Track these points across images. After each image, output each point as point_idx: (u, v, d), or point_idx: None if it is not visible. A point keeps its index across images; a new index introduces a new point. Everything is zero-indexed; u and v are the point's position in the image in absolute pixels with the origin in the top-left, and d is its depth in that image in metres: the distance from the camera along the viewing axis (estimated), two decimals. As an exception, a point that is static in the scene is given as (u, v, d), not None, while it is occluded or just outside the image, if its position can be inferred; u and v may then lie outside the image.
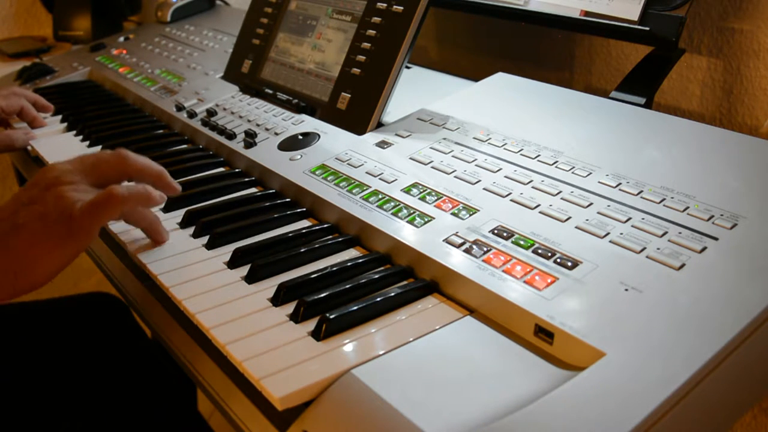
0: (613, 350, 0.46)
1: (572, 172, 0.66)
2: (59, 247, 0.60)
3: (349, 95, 0.86)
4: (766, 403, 0.91)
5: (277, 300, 0.58)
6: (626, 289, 0.51)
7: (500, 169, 0.69)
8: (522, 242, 0.58)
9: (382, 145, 0.78)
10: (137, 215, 0.68)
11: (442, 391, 0.47)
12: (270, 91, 0.97)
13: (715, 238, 0.54)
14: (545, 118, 0.77)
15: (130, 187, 0.63)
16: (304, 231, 0.69)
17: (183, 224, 0.73)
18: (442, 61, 1.31)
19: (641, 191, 0.61)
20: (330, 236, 0.69)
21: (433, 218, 0.64)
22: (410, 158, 0.74)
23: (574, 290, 0.52)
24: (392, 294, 0.57)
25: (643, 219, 0.58)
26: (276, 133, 0.87)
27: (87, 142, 1.00)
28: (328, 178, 0.74)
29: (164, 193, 0.68)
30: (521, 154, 0.71)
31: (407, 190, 0.69)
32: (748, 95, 0.89)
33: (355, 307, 0.55)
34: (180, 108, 1.02)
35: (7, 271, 0.59)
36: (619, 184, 0.63)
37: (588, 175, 0.65)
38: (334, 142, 0.81)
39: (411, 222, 0.64)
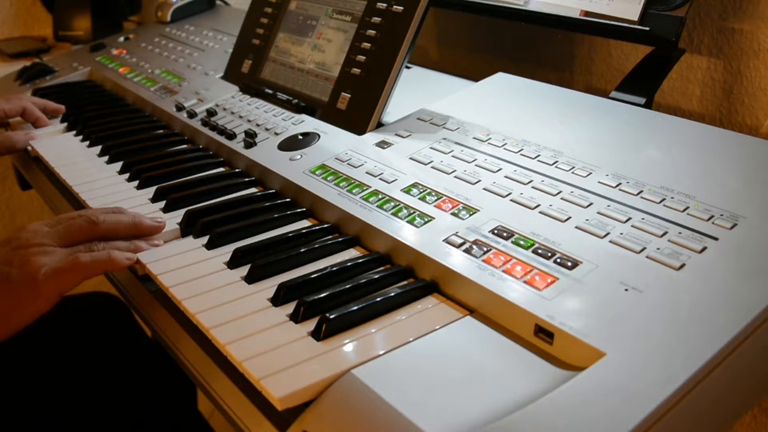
0: (613, 350, 0.46)
1: (572, 172, 0.66)
2: (18, 309, 0.63)
3: (349, 95, 0.86)
4: (766, 403, 0.91)
5: (277, 300, 0.58)
6: (626, 289, 0.51)
7: (500, 169, 0.69)
8: (522, 242, 0.58)
9: (382, 145, 0.78)
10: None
11: (442, 391, 0.47)
12: (270, 91, 0.97)
13: (715, 238, 0.54)
14: (545, 118, 0.77)
15: (93, 254, 0.65)
16: (304, 231, 0.69)
17: (183, 224, 0.73)
18: (442, 61, 1.31)
19: (641, 191, 0.61)
20: (330, 236, 0.69)
21: (433, 218, 0.64)
22: (410, 158, 0.74)
23: (574, 290, 0.52)
24: (392, 294, 0.57)
25: (643, 219, 0.58)
26: (276, 133, 0.87)
27: (87, 142, 1.00)
28: (328, 178, 0.74)
29: (146, 235, 0.70)
30: (521, 154, 0.71)
31: (407, 190, 0.69)
32: (748, 95, 0.89)
33: (355, 307, 0.55)
34: (180, 108, 1.02)
35: None
36: (619, 184, 0.63)
37: (588, 175, 0.65)
38: (334, 142, 0.81)
39: (411, 222, 0.64)
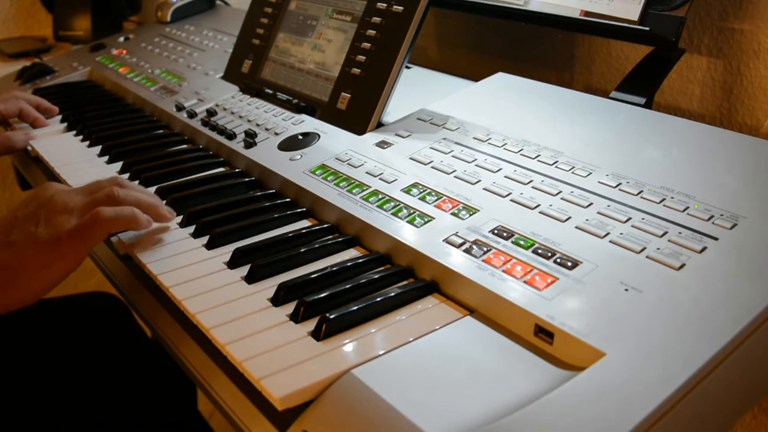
0: (613, 350, 0.46)
1: (572, 172, 0.66)
2: (47, 268, 0.62)
3: (349, 95, 0.86)
4: (766, 403, 0.91)
5: (277, 300, 0.58)
6: (626, 289, 0.51)
7: (500, 169, 0.69)
8: (522, 242, 0.58)
9: (382, 145, 0.78)
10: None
11: (442, 391, 0.47)
12: (270, 91, 0.97)
13: (715, 238, 0.54)
14: (545, 118, 0.77)
15: (116, 209, 0.65)
16: (304, 231, 0.69)
17: (183, 224, 0.73)
18: (442, 61, 1.31)
19: (641, 191, 0.61)
20: (330, 236, 0.69)
21: (433, 218, 0.64)
22: (410, 158, 0.74)
23: (574, 290, 0.52)
24: (392, 294, 0.57)
25: (643, 219, 0.58)
26: (276, 133, 0.87)
27: (87, 142, 1.00)
28: (328, 178, 0.74)
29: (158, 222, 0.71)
30: (521, 154, 0.71)
31: (407, 190, 0.69)
32: (748, 95, 0.89)
33: (355, 307, 0.55)
34: (180, 108, 1.02)
35: None
36: (619, 184, 0.63)
37: (588, 175, 0.65)
38: (334, 142, 0.81)
39: (411, 222, 0.64)
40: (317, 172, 0.76)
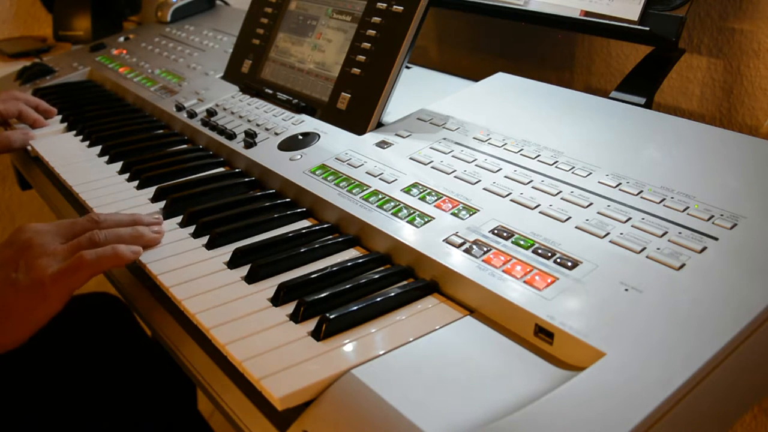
0: (613, 350, 0.46)
1: (572, 172, 0.66)
2: (31, 312, 0.62)
3: (349, 95, 0.86)
4: (766, 403, 0.91)
5: (277, 300, 0.58)
6: (626, 289, 0.51)
7: (500, 169, 0.69)
8: (522, 242, 0.58)
9: (382, 145, 0.78)
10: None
11: (442, 391, 0.47)
12: (270, 91, 0.97)
13: (715, 238, 0.54)
14: (545, 118, 0.77)
15: (98, 251, 0.64)
16: (304, 231, 0.69)
17: (183, 224, 0.73)
18: (442, 61, 1.31)
19: (641, 191, 0.61)
20: (330, 236, 0.69)
21: (433, 218, 0.64)
22: (410, 158, 0.74)
23: (574, 290, 0.52)
24: (392, 294, 0.57)
25: (643, 219, 0.58)
26: (276, 133, 0.87)
27: (87, 142, 1.00)
28: (328, 178, 0.74)
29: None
30: (521, 154, 0.71)
31: (407, 190, 0.69)
32: (748, 95, 0.89)
33: (355, 307, 0.55)
34: (180, 108, 1.02)
35: None
36: (619, 184, 0.63)
37: (588, 175, 0.65)
38: (334, 142, 0.81)
39: (411, 222, 0.64)
40: (317, 172, 0.76)
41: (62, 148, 0.98)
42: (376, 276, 0.60)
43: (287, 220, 0.73)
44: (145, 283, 0.68)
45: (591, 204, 0.61)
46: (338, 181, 0.73)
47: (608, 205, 0.61)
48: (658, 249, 0.54)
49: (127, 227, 0.69)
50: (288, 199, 0.76)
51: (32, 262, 0.63)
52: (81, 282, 0.63)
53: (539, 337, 0.51)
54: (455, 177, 0.69)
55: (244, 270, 0.63)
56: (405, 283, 0.60)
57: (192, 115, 0.99)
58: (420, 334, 0.53)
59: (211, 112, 0.98)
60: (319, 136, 0.83)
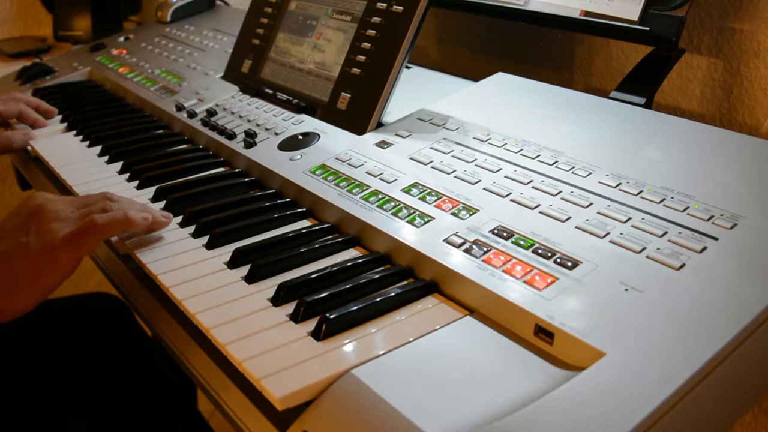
0: (613, 350, 0.46)
1: (572, 172, 0.66)
2: (41, 277, 0.62)
3: (349, 95, 0.86)
4: (766, 403, 0.91)
5: (277, 300, 0.58)
6: (626, 289, 0.51)
7: (500, 169, 0.69)
8: (522, 242, 0.58)
9: (382, 145, 0.78)
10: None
11: (442, 391, 0.47)
12: (270, 91, 0.97)
13: (715, 238, 0.54)
14: (545, 118, 0.77)
15: (110, 214, 0.65)
16: (304, 231, 0.69)
17: (183, 224, 0.73)
18: (442, 61, 1.31)
19: (641, 191, 0.61)
20: (330, 236, 0.69)
21: (433, 218, 0.64)
22: (410, 158, 0.74)
23: (574, 290, 0.52)
24: (392, 294, 0.57)
25: (643, 219, 0.58)
26: (276, 133, 0.87)
27: (87, 142, 1.00)
28: (328, 178, 0.74)
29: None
30: (521, 154, 0.71)
31: (407, 190, 0.69)
32: (748, 95, 0.89)
33: (355, 307, 0.55)
34: (180, 108, 1.02)
35: None
36: (619, 184, 0.63)
37: (588, 175, 0.65)
38: (334, 142, 0.81)
39: (411, 222, 0.64)
40: (317, 172, 0.76)
41: (62, 148, 0.98)
42: (376, 276, 0.60)
43: (287, 220, 0.73)
44: (146, 283, 0.68)
45: (591, 204, 0.61)
46: (338, 181, 0.73)
47: (608, 205, 0.61)
48: (658, 249, 0.54)
49: (139, 204, 0.71)
50: (288, 199, 0.76)
51: (44, 226, 0.63)
52: (92, 246, 0.64)
53: (539, 337, 0.51)
54: (455, 177, 0.69)
55: (244, 270, 0.63)
56: (405, 283, 0.60)
57: (192, 115, 0.99)
58: (420, 334, 0.53)
59: (211, 112, 0.98)
60: (319, 136, 0.83)
